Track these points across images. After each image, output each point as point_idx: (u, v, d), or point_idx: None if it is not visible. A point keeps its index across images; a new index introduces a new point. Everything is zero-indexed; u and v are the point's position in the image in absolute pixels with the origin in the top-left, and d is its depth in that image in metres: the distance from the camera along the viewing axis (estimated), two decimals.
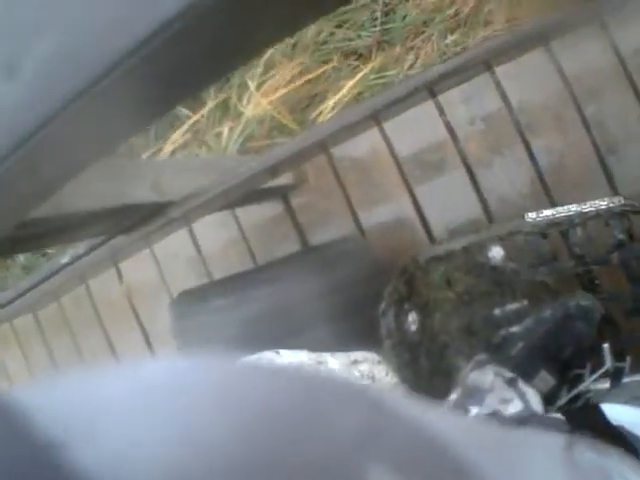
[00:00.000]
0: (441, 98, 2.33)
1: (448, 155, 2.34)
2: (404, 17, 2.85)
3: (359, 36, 2.87)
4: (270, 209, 2.51)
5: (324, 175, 2.46)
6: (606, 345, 1.72)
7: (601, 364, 1.70)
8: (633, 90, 2.10)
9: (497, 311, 1.88)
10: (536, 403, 1.54)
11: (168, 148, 3.01)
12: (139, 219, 1.70)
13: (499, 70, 2.28)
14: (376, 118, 2.25)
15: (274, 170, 2.20)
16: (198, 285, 2.33)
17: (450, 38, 2.70)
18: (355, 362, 1.71)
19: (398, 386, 1.77)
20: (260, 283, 2.15)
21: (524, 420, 1.44)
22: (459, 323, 1.90)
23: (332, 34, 2.92)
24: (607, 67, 2.15)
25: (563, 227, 1.85)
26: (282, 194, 2.48)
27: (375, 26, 2.86)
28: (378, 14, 2.83)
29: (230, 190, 1.97)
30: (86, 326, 2.92)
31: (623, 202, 1.80)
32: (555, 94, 2.22)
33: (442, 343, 1.90)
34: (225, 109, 3.01)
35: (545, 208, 1.88)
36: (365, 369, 1.70)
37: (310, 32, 2.89)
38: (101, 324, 2.90)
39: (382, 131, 2.39)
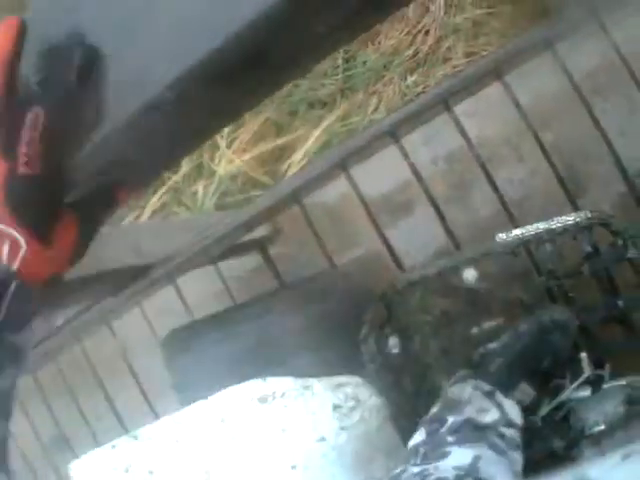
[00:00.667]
0: (404, 141, 2.35)
1: (414, 195, 2.36)
2: (364, 62, 2.89)
3: (323, 85, 2.91)
4: (250, 261, 2.53)
5: (298, 225, 2.47)
6: (584, 354, 1.75)
7: (580, 373, 1.73)
8: (588, 113, 2.13)
9: (475, 330, 1.90)
10: (515, 414, 1.56)
11: (148, 210, 3.02)
12: (123, 282, 1.71)
13: (457, 109, 2.31)
14: (343, 165, 2.27)
15: (249, 224, 2.23)
16: (185, 324, 2.32)
17: (410, 79, 2.72)
18: (339, 385, 1.71)
19: (382, 408, 1.77)
20: (245, 318, 2.16)
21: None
22: (439, 344, 1.91)
23: (297, 85, 2.93)
24: (562, 92, 2.20)
25: (533, 244, 1.87)
26: (260, 246, 2.50)
27: (337, 74, 2.89)
28: (340, 61, 2.88)
29: (208, 247, 1.99)
30: (84, 384, 2.91)
31: (590, 215, 1.82)
32: (513, 125, 2.26)
33: (424, 364, 1.92)
34: (199, 169, 3.02)
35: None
36: (349, 391, 1.70)
37: None
38: (99, 382, 2.89)
39: (350, 178, 2.42)
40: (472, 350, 1.81)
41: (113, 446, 1.62)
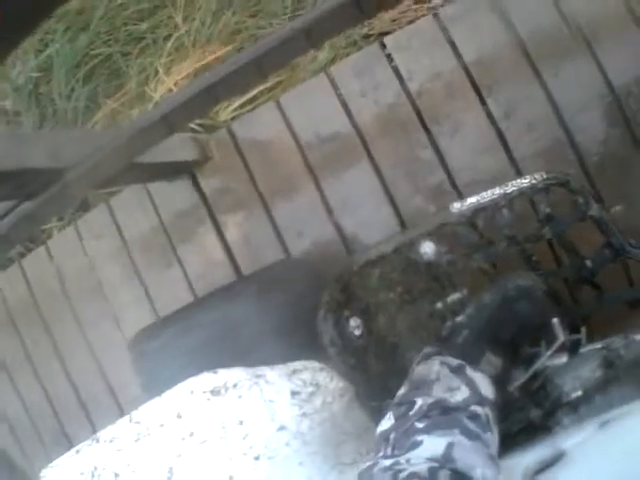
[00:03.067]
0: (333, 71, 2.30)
1: (345, 133, 2.29)
2: (314, 3, 2.75)
3: (270, 24, 2.76)
4: (179, 186, 2.47)
5: (228, 153, 2.41)
6: (555, 320, 1.60)
7: (554, 339, 1.58)
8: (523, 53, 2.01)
9: (439, 305, 1.78)
10: (485, 388, 1.43)
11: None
12: (39, 185, 1.61)
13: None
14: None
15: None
16: (150, 324, 2.25)
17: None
18: (295, 372, 1.59)
19: (347, 391, 1.65)
20: (203, 311, 2.09)
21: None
22: (405, 322, 1.80)
23: (244, 22, 2.82)
24: (501, 39, 2.10)
25: (489, 211, 1.74)
26: (188, 170, 2.43)
27: (286, 14, 2.75)
28: (289, 2, 2.74)
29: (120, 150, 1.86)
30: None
31: (545, 177, 1.69)
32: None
33: (391, 344, 1.80)
34: (141, 96, 2.92)
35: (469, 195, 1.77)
36: (307, 377, 1.59)
37: (225, 20, 2.82)
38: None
39: (280, 108, 2.36)
40: (439, 325, 1.71)
41: (77, 451, 1.52)
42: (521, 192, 1.71)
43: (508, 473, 1.26)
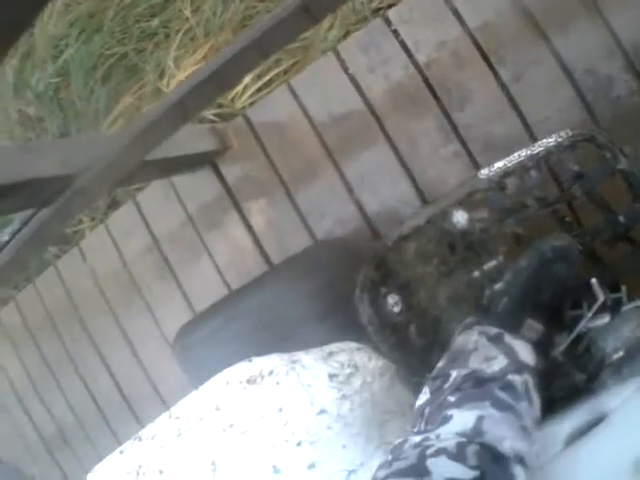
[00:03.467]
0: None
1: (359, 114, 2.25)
2: None
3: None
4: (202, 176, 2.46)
5: (247, 141, 2.39)
6: (594, 280, 1.59)
7: (595, 300, 1.57)
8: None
9: (477, 273, 1.75)
10: (525, 354, 1.41)
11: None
12: (51, 192, 1.66)
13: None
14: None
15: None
16: (190, 320, 2.27)
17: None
18: (331, 354, 1.58)
19: (387, 369, 1.63)
20: (240, 303, 2.10)
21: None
22: (445, 294, 1.77)
23: (254, 7, 2.78)
24: (505, 3, 2.04)
25: (518, 174, 1.70)
26: (209, 160, 2.41)
27: None
28: None
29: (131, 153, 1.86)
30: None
31: (570, 134, 1.66)
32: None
33: (432, 318, 1.78)
34: (157, 91, 2.92)
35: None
36: (344, 359, 1.57)
37: (234, 8, 2.80)
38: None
39: (293, 92, 2.33)
40: (479, 294, 1.69)
41: (121, 451, 1.52)
42: (548, 151, 1.68)
43: (550, 437, 1.24)
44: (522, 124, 1.98)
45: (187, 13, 2.85)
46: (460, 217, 1.75)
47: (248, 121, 2.38)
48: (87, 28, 3.15)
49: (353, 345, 1.64)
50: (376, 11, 2.38)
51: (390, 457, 1.17)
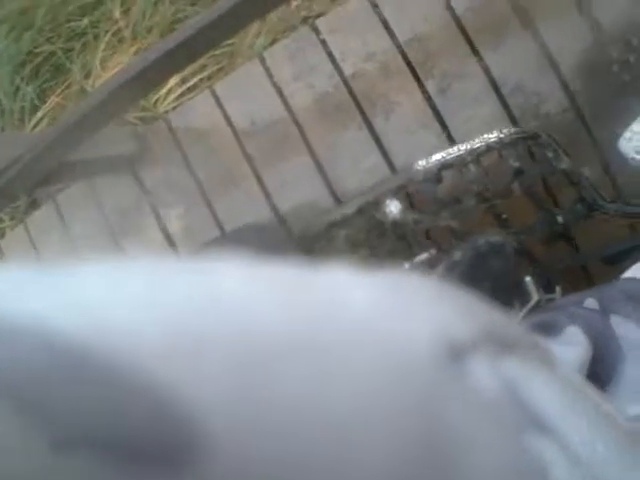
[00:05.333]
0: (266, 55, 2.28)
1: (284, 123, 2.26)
2: None
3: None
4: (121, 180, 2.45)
5: (166, 145, 2.36)
6: (528, 278, 1.57)
7: (529, 299, 1.55)
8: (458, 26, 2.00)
9: (407, 265, 1.72)
10: None
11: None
12: None
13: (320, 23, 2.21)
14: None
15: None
16: None
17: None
18: None
19: None
20: None
21: None
22: None
23: (183, 10, 2.77)
24: (435, 15, 2.07)
25: (456, 168, 1.71)
26: (128, 163, 2.39)
27: None
28: None
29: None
30: None
31: (513, 131, 1.67)
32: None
33: None
34: (83, 91, 2.89)
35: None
36: None
37: (163, 11, 2.80)
38: None
39: (215, 96, 2.32)
40: None
41: None
42: (488, 147, 1.68)
43: None
44: (446, 137, 1.99)
45: (116, 14, 2.85)
46: (393, 207, 1.73)
47: (169, 125, 2.36)
48: (18, 25, 3.12)
49: None
50: (305, 19, 2.40)
51: None
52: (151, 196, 2.37)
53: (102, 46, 2.76)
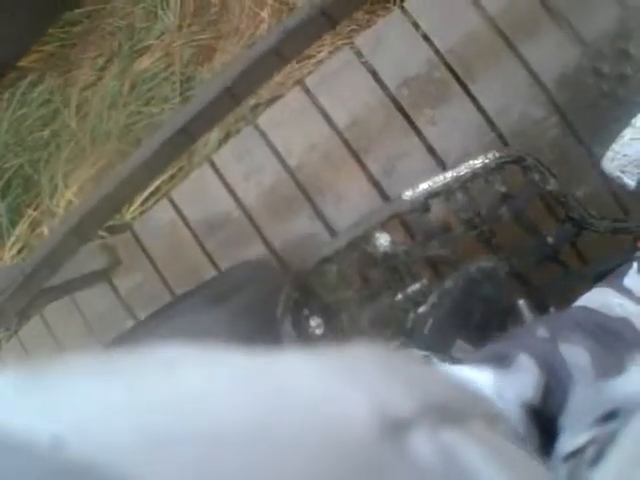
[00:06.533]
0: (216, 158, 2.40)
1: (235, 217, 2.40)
2: (201, 81, 2.86)
3: (163, 110, 2.87)
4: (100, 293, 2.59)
5: (135, 254, 2.52)
6: (521, 301, 1.61)
7: (522, 321, 1.59)
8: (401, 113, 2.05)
9: (400, 296, 1.75)
10: None
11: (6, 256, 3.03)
12: None
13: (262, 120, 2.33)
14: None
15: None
16: (121, 333, 2.32)
17: None
18: None
19: None
20: (173, 318, 2.12)
21: None
22: (367, 318, 1.76)
23: (139, 113, 2.90)
24: (371, 97, 2.17)
25: (442, 196, 1.75)
26: (104, 277, 2.55)
27: (176, 97, 2.86)
28: (177, 85, 2.86)
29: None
30: None
31: (497, 155, 1.70)
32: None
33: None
34: (43, 214, 3.02)
35: None
36: None
37: (116, 116, 2.91)
38: None
39: (172, 202, 2.47)
40: (403, 317, 1.69)
41: None
42: (474, 173, 1.70)
43: None
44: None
45: (73, 124, 2.95)
46: (382, 239, 1.76)
47: (135, 235, 2.52)
48: None
49: None
50: (255, 107, 2.49)
51: None
52: (126, 302, 2.56)
53: (64, 155, 2.92)
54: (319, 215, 2.21)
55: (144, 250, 2.50)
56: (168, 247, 2.47)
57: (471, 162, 1.71)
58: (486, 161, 1.70)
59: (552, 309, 1.66)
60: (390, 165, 2.10)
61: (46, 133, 3.13)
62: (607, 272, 1.67)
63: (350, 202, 2.13)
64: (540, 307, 1.66)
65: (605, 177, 1.70)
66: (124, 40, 3.04)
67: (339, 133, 2.19)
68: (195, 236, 2.42)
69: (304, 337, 1.75)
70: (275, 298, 1.79)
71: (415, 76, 2.13)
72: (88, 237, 2.04)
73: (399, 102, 2.12)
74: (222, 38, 2.78)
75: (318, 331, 1.76)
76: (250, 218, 2.33)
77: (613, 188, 1.73)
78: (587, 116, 1.90)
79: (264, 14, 2.64)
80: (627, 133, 1.56)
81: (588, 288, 1.71)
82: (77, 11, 3.23)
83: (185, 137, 1.82)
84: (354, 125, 2.18)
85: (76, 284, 2.42)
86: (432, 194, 1.73)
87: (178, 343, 0.36)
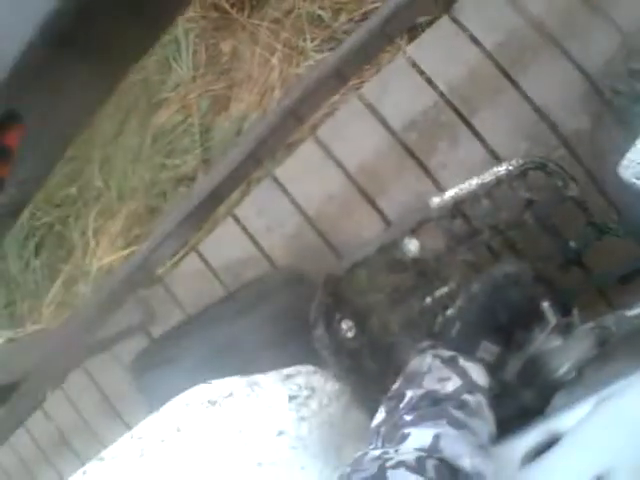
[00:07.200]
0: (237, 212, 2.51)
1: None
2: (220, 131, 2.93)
3: (185, 162, 2.94)
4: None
5: (167, 305, 2.66)
6: (545, 304, 1.67)
7: (547, 324, 1.66)
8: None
9: (429, 300, 1.83)
10: (477, 375, 1.49)
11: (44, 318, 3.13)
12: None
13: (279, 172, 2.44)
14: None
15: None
16: (149, 344, 2.49)
17: None
18: (288, 376, 1.65)
19: (343, 393, 1.72)
20: (199, 328, 2.26)
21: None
22: (397, 321, 1.84)
23: (163, 166, 3.00)
24: (382, 144, 2.25)
25: (468, 202, 1.82)
26: (143, 330, 2.69)
27: (196, 148, 2.92)
28: (197, 136, 2.93)
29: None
30: None
31: (521, 162, 1.78)
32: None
33: (385, 344, 1.85)
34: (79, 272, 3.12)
35: None
36: (301, 381, 1.64)
37: (142, 170, 3.03)
38: None
39: (200, 255, 2.61)
40: (431, 320, 1.76)
41: (84, 472, 1.56)
42: (499, 180, 1.78)
43: (505, 458, 1.31)
44: None
45: (98, 181, 3.08)
46: (411, 245, 1.84)
47: (168, 290, 2.67)
48: None
49: (310, 368, 1.70)
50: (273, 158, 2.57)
51: (349, 469, 1.22)
52: None
53: (93, 212, 3.05)
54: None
55: (177, 303, 2.65)
56: (199, 300, 2.58)
57: (495, 169, 1.79)
58: (510, 168, 1.78)
59: (575, 310, 1.73)
60: (404, 209, 2.20)
61: (73, 190, 3.23)
62: (630, 274, 1.75)
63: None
64: (564, 309, 1.72)
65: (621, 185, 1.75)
66: (140, 94, 3.11)
67: (354, 181, 2.31)
68: (224, 287, 2.57)
69: (336, 340, 1.84)
70: (303, 304, 1.88)
71: (422, 120, 2.21)
72: (123, 302, 2.18)
73: (409, 147, 2.22)
74: (236, 86, 2.84)
75: (349, 334, 1.84)
76: (275, 267, 2.47)
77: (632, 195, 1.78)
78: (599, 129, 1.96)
79: (274, 60, 2.70)
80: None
81: (611, 290, 1.80)
82: None
83: (213, 201, 1.97)
84: (366, 171, 2.30)
85: (116, 340, 2.57)
86: (459, 201, 1.80)
87: None
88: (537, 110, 2.07)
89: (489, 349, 1.60)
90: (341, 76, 1.88)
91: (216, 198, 1.93)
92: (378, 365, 1.82)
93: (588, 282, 1.79)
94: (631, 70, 1.80)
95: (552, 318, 1.68)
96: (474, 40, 2.14)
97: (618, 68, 1.87)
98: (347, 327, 1.82)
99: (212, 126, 2.93)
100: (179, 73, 3.01)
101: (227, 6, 2.81)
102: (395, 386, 1.53)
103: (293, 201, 2.40)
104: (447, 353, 1.53)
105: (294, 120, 1.94)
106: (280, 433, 1.52)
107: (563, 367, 1.62)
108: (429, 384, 1.44)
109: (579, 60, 2.03)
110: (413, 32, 2.25)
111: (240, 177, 1.96)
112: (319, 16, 2.62)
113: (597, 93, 2.01)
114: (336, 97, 2.34)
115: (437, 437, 1.24)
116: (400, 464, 1.16)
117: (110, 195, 3.06)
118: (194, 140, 2.94)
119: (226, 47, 2.91)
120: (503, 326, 1.65)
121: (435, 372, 1.48)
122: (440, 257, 1.82)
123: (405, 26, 2.08)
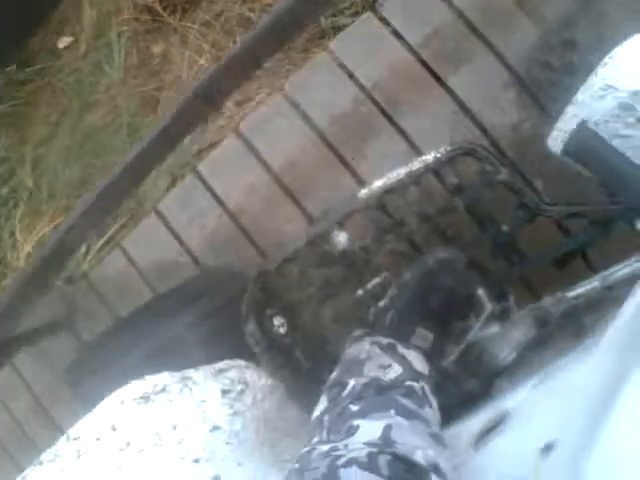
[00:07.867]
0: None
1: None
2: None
3: (115, 162, 2.91)
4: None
5: (90, 300, 2.69)
6: (480, 291, 1.66)
7: (483, 310, 1.65)
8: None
9: (360, 292, 1.80)
10: (418, 363, 1.47)
11: None
12: None
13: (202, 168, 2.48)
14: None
15: None
16: (79, 349, 2.49)
17: None
18: (220, 371, 1.61)
19: (276, 387, 1.69)
20: (135, 328, 2.21)
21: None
22: (329, 315, 1.81)
23: (93, 166, 3.06)
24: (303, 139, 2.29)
25: (397, 192, 1.81)
26: (66, 324, 2.71)
27: (125, 147, 2.96)
28: (125, 137, 3.04)
29: None
30: None
31: (449, 148, 1.77)
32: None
33: (318, 339, 1.82)
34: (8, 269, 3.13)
35: None
36: (234, 376, 1.60)
37: (73, 170, 3.07)
38: None
39: (124, 251, 2.66)
40: (364, 312, 1.74)
41: (23, 477, 1.51)
42: (427, 167, 1.76)
43: (454, 442, 1.29)
44: None
45: (29, 181, 3.09)
46: (340, 237, 1.82)
47: (91, 284, 2.70)
48: None
49: (242, 362, 1.66)
50: (198, 153, 2.62)
51: (298, 465, 1.18)
52: None
53: (19, 213, 3.07)
54: (263, 256, 2.38)
55: (101, 299, 2.67)
56: (122, 295, 2.63)
57: (423, 157, 1.77)
58: (438, 155, 1.76)
59: (511, 296, 1.73)
60: (328, 203, 2.18)
61: (4, 191, 3.25)
62: (564, 257, 1.75)
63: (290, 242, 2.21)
64: (500, 295, 1.73)
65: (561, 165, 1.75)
66: (73, 95, 3.17)
67: (275, 175, 2.35)
68: (146, 282, 2.61)
69: (268, 336, 1.80)
70: (240, 299, 1.85)
71: (344, 114, 2.24)
72: (45, 286, 2.13)
73: (330, 141, 2.24)
74: (165, 88, 2.90)
75: (282, 330, 1.81)
76: (195, 260, 2.51)
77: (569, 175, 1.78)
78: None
79: (202, 61, 2.76)
80: (569, 110, 1.62)
81: (546, 273, 1.79)
82: (28, 70, 3.36)
83: (130, 178, 1.94)
84: (288, 166, 2.34)
85: (40, 333, 2.55)
86: (387, 190, 1.78)
87: None
88: (459, 102, 2.06)
89: (424, 335, 1.58)
90: (254, 59, 1.88)
91: (133, 177, 1.89)
92: (311, 360, 1.78)
93: (523, 266, 1.77)
94: (564, 41, 1.80)
95: (488, 304, 1.67)
96: (397, 35, 2.13)
97: (551, 40, 1.88)
98: (279, 323, 1.79)
99: (140, 126, 2.96)
100: (111, 75, 3.06)
101: (160, 9, 2.85)
102: (333, 375, 1.49)
103: (215, 195, 2.44)
104: (385, 340, 1.51)
105: (205, 104, 1.94)
106: (214, 428, 1.48)
107: (503, 352, 1.61)
108: (370, 371, 1.41)
109: (503, 51, 2.03)
110: (336, 28, 2.25)
111: (156, 156, 1.93)
112: (248, 18, 2.67)
113: (520, 84, 2.01)
114: (265, 89, 2.38)
115: (388, 428, 1.21)
116: (352, 461, 1.11)
117: (40, 195, 3.08)
118: (123, 140, 2.98)
119: (157, 49, 2.95)
120: (436, 312, 1.62)
121: (375, 359, 1.46)
122: (369, 248, 1.80)
123: (316, 13, 2.05)
